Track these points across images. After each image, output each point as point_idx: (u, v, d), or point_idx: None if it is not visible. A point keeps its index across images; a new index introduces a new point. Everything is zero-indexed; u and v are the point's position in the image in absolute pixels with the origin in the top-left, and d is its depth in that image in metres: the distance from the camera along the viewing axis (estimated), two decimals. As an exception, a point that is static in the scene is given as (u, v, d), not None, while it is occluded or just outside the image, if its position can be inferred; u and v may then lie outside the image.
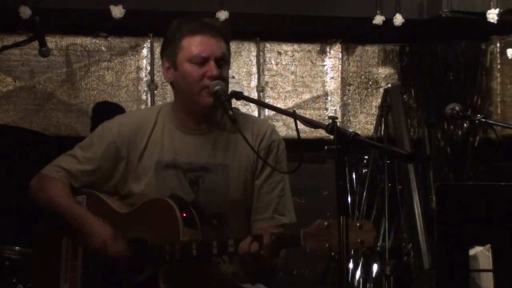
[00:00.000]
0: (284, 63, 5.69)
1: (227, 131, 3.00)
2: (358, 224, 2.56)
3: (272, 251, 2.73)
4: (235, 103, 3.08)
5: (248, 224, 3.04)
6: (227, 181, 2.99)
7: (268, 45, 5.66)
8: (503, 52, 5.65)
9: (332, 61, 5.74)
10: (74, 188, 3.04)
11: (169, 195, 2.94)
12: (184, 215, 2.85)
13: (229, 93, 2.91)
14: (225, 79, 2.95)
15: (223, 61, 2.96)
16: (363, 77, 5.85)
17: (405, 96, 5.80)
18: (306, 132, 4.57)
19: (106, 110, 4.89)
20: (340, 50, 5.75)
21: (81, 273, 2.99)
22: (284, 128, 5.37)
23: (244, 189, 3.00)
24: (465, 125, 5.77)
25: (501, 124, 5.08)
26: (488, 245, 2.73)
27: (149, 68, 5.46)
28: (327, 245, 2.57)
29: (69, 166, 3.04)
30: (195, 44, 2.94)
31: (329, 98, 5.75)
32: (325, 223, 2.61)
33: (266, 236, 2.73)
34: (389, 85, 5.74)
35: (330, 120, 2.53)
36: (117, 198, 3.06)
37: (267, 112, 5.48)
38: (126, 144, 3.01)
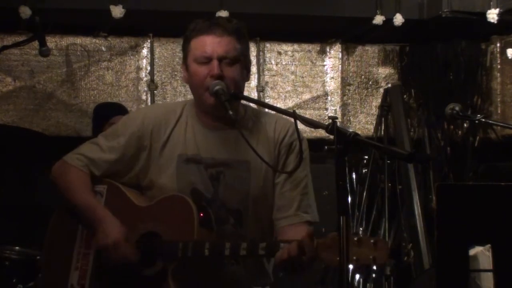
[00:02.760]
0: (284, 63, 5.69)
1: (248, 128, 3.01)
2: (372, 241, 2.55)
3: (314, 256, 2.71)
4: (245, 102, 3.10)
5: (266, 222, 3.04)
6: (248, 178, 2.99)
7: (268, 45, 5.66)
8: (503, 52, 5.65)
9: (332, 61, 5.74)
10: (95, 176, 3.05)
11: (190, 191, 2.95)
12: (201, 215, 2.86)
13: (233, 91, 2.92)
14: (230, 78, 2.94)
15: (229, 60, 2.95)
16: (363, 77, 5.85)
17: (405, 96, 5.80)
18: (306, 132, 4.55)
19: (107, 111, 4.88)
20: (340, 50, 5.75)
21: (92, 262, 3.00)
22: (284, 128, 5.36)
23: (263, 186, 3.01)
24: (465, 125, 5.77)
25: (501, 124, 5.08)
26: (488, 245, 2.73)
27: (149, 68, 5.46)
28: (338, 258, 2.57)
29: (92, 154, 3.05)
30: (200, 44, 2.96)
31: (329, 98, 5.75)
32: None
33: (310, 243, 2.68)
34: (389, 85, 5.74)
35: (330, 120, 2.53)
36: (137, 191, 3.07)
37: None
38: (149, 134, 3.03)
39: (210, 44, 2.95)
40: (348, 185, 5.13)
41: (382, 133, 5.59)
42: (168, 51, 5.47)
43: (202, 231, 2.85)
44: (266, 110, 3.16)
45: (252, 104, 3.16)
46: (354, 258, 2.53)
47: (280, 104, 5.55)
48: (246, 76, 3.05)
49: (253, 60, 5.60)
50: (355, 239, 2.54)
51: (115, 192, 3.04)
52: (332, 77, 5.75)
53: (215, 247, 2.81)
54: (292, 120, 2.90)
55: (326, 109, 5.74)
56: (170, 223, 2.90)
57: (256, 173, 3.00)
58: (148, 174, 3.04)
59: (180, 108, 3.09)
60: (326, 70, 5.75)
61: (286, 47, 5.70)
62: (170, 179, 2.99)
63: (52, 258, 3.11)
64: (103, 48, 5.42)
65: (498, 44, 5.68)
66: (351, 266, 5.15)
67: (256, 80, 5.61)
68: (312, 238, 2.68)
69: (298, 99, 5.69)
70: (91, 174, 3.05)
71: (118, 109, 4.82)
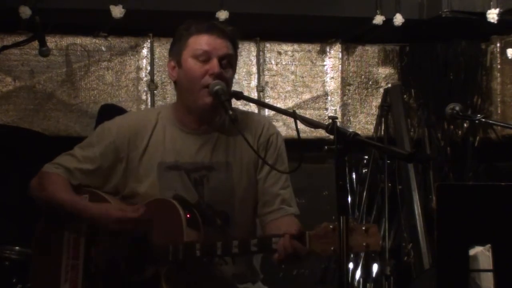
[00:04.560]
0: (284, 63, 5.69)
1: (227, 130, 3.02)
2: (363, 228, 2.56)
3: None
4: (235, 103, 3.09)
5: (251, 220, 3.05)
6: (231, 179, 3.00)
7: (268, 45, 5.66)
8: (503, 52, 5.64)
9: (332, 61, 5.74)
10: (74, 186, 3.04)
11: (172, 196, 2.94)
12: (188, 216, 2.86)
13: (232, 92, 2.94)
14: (227, 80, 2.96)
15: (227, 62, 2.97)
16: (363, 77, 5.85)
17: (405, 96, 5.79)
18: (306, 132, 4.56)
19: (112, 113, 4.88)
20: (340, 50, 5.74)
21: (82, 272, 2.98)
22: (284, 128, 5.36)
23: (248, 185, 3.02)
24: (465, 125, 5.77)
25: (501, 124, 5.08)
26: (488, 245, 2.73)
27: (149, 68, 5.45)
28: (332, 248, 2.57)
29: (68, 164, 3.04)
30: (200, 42, 2.97)
31: (329, 98, 5.74)
32: (331, 226, 2.61)
33: (303, 232, 2.70)
34: (389, 85, 5.74)
35: (330, 120, 2.53)
36: (119, 199, 3.06)
37: (267, 112, 5.47)
38: (126, 144, 3.02)
39: (213, 43, 2.96)
40: (348, 185, 5.13)
41: (382, 133, 5.59)
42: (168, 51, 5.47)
43: (191, 232, 2.85)
44: (256, 111, 3.17)
45: (253, 106, 3.16)
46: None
47: (280, 104, 5.55)
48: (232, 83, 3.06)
49: (253, 60, 5.60)
50: None
51: (97, 200, 3.02)
52: (332, 77, 5.74)
53: (206, 247, 2.81)
54: (282, 120, 2.92)
55: (326, 109, 5.73)
56: (158, 227, 2.89)
57: (238, 174, 3.01)
58: (128, 184, 3.04)
59: (155, 115, 3.08)
60: (326, 70, 5.75)
61: (286, 47, 5.70)
62: (152, 188, 2.99)
63: (40, 271, 3.09)
64: (103, 48, 5.42)
65: (498, 44, 5.67)
66: (351, 266, 5.16)
67: (256, 80, 5.60)
68: (303, 233, 2.69)
69: (298, 99, 5.69)
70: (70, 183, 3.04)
71: (120, 113, 4.84)
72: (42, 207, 3.08)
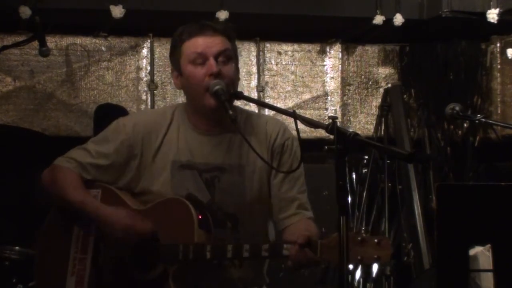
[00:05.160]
0: (284, 63, 5.69)
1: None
2: (375, 240, 2.56)
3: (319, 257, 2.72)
4: (235, 103, 3.08)
5: (260, 224, 3.05)
6: (243, 181, 2.99)
7: (268, 45, 5.66)
8: (503, 52, 5.64)
9: (332, 61, 5.74)
10: (88, 181, 3.03)
11: (185, 196, 2.94)
12: (200, 217, 2.86)
13: (232, 91, 2.93)
14: (229, 76, 2.94)
15: (225, 57, 2.96)
16: (363, 77, 5.85)
17: (405, 96, 5.80)
18: (306, 132, 4.55)
19: (108, 112, 4.89)
20: (340, 50, 5.74)
21: (90, 267, 2.98)
22: (284, 128, 5.36)
23: (259, 188, 3.01)
24: (465, 125, 5.77)
25: (501, 124, 5.08)
26: (488, 245, 2.73)
27: (149, 68, 5.45)
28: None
29: (81, 159, 3.03)
30: (193, 46, 2.96)
31: (329, 98, 5.74)
32: None
33: (315, 241, 2.71)
34: (389, 85, 5.74)
35: (330, 120, 2.53)
36: (131, 195, 3.05)
37: (267, 112, 5.47)
38: (140, 141, 3.02)
39: (204, 43, 2.95)
40: (348, 185, 5.13)
41: (382, 133, 5.59)
42: (168, 51, 5.45)
43: (202, 233, 2.84)
44: (256, 111, 3.15)
45: (253, 106, 3.16)
46: (359, 257, 2.53)
47: (280, 104, 5.55)
48: (238, 76, 3.05)
49: (253, 60, 5.60)
50: (359, 238, 2.55)
51: (110, 196, 3.01)
52: (332, 77, 5.74)
53: (217, 250, 2.81)
54: (282, 120, 2.92)
55: (326, 109, 5.74)
56: (168, 226, 2.88)
57: (250, 177, 3.00)
58: (140, 182, 3.03)
59: (170, 113, 3.07)
60: (326, 70, 5.75)
61: (286, 47, 5.70)
62: (165, 186, 2.98)
63: (47, 263, 3.08)
64: (103, 48, 5.42)
65: (498, 44, 5.68)
66: (351, 266, 5.16)
67: (256, 80, 5.60)
68: (312, 241, 2.69)
69: (298, 99, 5.69)
70: (82, 178, 3.04)
71: (119, 111, 4.83)
72: (52, 200, 3.07)
